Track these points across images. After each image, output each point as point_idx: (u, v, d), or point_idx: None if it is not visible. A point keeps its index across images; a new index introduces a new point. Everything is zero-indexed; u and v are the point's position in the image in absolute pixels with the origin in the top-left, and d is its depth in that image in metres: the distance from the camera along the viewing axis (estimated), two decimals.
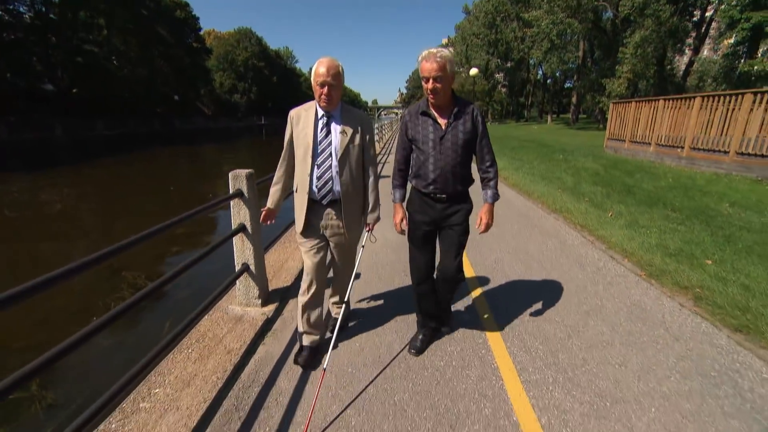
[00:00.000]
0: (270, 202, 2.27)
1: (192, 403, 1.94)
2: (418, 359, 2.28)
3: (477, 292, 3.13)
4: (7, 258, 6.03)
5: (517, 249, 4.12)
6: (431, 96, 1.93)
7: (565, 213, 5.38)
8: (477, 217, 2.13)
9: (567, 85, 46.64)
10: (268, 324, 2.70)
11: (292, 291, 3.15)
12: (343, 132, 2.02)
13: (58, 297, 4.22)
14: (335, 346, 2.33)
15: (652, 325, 2.61)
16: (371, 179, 2.22)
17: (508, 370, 2.18)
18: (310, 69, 2.06)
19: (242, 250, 2.75)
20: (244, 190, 2.64)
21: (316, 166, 2.03)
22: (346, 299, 2.39)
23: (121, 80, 35.96)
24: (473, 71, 24.03)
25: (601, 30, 28.80)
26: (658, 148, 10.07)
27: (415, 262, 2.27)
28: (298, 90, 75.56)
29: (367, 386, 2.06)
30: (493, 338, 2.49)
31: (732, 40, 18.40)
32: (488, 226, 2.11)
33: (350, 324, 2.68)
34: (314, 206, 2.12)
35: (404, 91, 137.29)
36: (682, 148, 9.13)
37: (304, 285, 2.20)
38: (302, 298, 2.20)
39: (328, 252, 2.26)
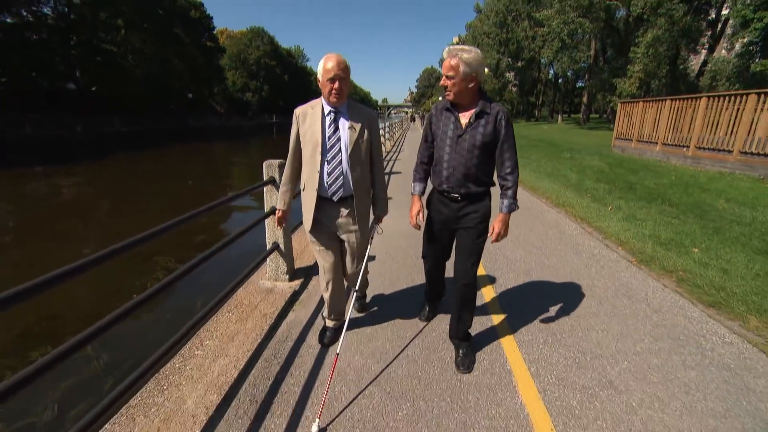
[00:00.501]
0: (282, 204, 2.28)
1: (237, 352, 2.35)
2: (429, 324, 2.64)
3: (481, 272, 3.48)
4: (68, 241, 6.57)
5: (518, 237, 4.45)
6: (446, 93, 1.94)
7: (567, 207, 5.68)
8: (490, 227, 2.07)
9: (579, 84, 46.40)
10: (295, 295, 3.09)
11: (315, 269, 3.53)
12: (351, 128, 2.01)
13: (100, 278, 4.69)
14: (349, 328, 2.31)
15: (636, 301, 2.94)
16: (379, 174, 2.22)
17: (505, 332, 2.53)
18: None
19: (273, 231, 3.15)
20: (276, 177, 3.03)
21: (326, 163, 2.03)
22: (357, 288, 2.34)
23: (138, 79, 36.96)
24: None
25: (613, 29, 28.68)
26: (665, 147, 10.24)
27: (427, 259, 2.31)
28: (308, 88, 76.24)
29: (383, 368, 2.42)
30: (493, 307, 2.85)
31: (745, 40, 18.27)
32: (500, 236, 2.01)
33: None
34: (323, 204, 2.11)
35: (414, 90, 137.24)
36: (688, 147, 9.31)
37: (323, 283, 2.32)
38: (325, 294, 2.36)
39: (340, 249, 2.29)
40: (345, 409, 1.89)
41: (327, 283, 2.31)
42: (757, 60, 18.24)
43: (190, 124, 44.30)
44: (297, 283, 3.25)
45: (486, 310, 2.83)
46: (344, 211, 2.13)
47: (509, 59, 46.83)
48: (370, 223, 2.32)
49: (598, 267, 3.59)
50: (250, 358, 2.30)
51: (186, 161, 18.92)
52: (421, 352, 2.34)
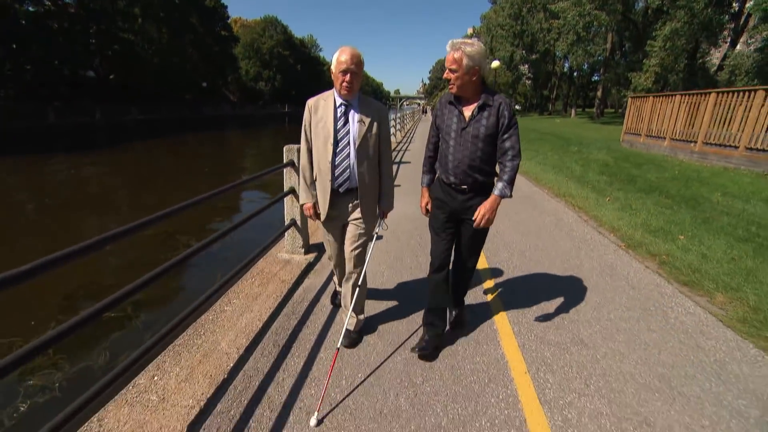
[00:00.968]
0: (308, 197, 2.26)
1: (261, 309, 2.73)
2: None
3: None
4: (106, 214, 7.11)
5: (518, 223, 4.75)
6: (449, 86, 1.97)
7: (567, 197, 5.94)
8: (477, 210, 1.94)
9: (594, 78, 45.61)
10: (310, 266, 3.47)
11: None
12: (361, 121, 2.05)
13: (125, 252, 5.16)
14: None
15: (617, 278, 3.24)
16: (386, 168, 2.25)
17: (495, 299, 2.87)
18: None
19: (291, 208, 3.52)
20: (295, 160, 3.38)
21: (336, 155, 2.07)
22: (359, 283, 2.27)
23: (154, 67, 37.70)
24: (495, 64, 24.13)
25: (631, 21, 28.10)
26: (673, 142, 10.30)
27: (434, 248, 2.27)
28: (321, 78, 76.40)
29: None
30: (487, 284, 3.18)
31: (765, 34, 17.87)
32: (486, 220, 1.91)
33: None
34: (333, 196, 2.15)
35: (427, 81, 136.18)
36: (695, 142, 9.38)
37: (332, 263, 2.51)
38: (335, 270, 2.55)
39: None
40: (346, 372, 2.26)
41: (335, 265, 2.52)
42: None
43: (204, 113, 45.06)
44: (311, 256, 3.63)
45: (480, 279, 3.17)
46: (350, 204, 2.19)
47: (523, 51, 46.21)
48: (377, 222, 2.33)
49: (588, 250, 3.89)
50: (272, 313, 2.69)
51: (199, 154, 19.50)
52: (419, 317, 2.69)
